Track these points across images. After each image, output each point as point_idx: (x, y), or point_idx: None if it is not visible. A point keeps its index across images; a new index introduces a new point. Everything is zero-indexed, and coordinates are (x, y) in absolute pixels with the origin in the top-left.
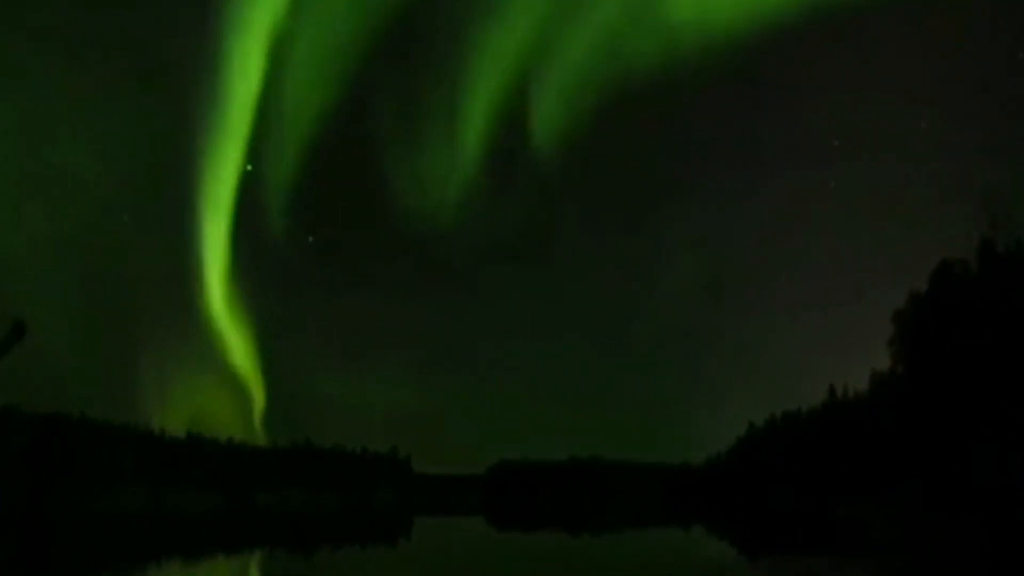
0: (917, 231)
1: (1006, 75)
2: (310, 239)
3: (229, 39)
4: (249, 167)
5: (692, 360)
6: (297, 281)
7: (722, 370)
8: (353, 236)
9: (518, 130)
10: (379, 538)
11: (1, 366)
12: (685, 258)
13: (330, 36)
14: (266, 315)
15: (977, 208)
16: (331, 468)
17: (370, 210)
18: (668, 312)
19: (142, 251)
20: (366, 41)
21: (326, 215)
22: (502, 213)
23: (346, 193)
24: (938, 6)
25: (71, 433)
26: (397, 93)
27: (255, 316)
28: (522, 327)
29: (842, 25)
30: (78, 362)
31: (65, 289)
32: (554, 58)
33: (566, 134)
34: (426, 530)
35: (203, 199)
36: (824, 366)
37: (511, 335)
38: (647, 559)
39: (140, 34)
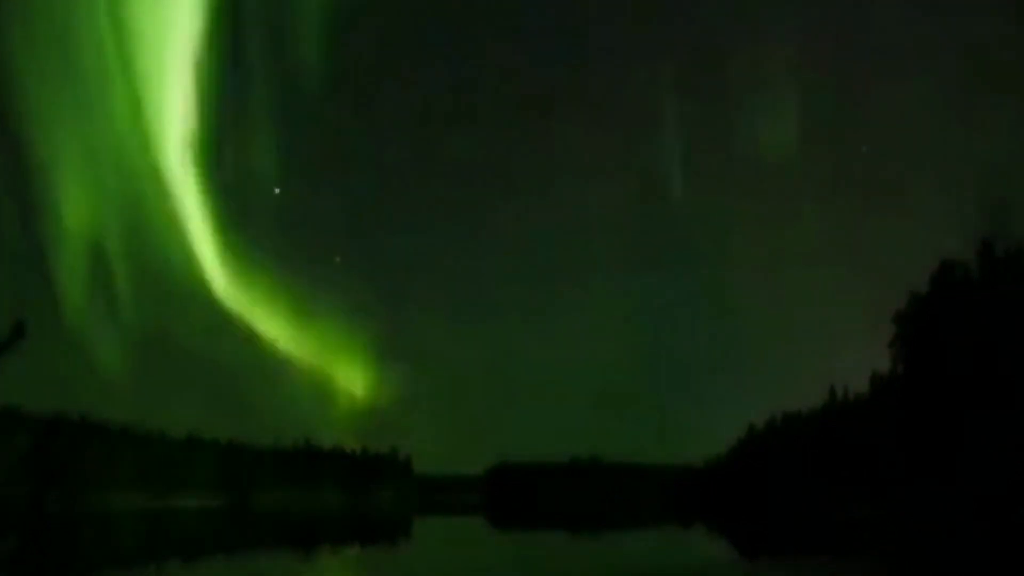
0: (917, 231)
1: (1007, 74)
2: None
3: None
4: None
5: (692, 360)
6: None
7: (722, 370)
8: None
9: None
10: (379, 538)
11: (1, 366)
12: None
13: None
14: None
15: (977, 208)
16: (331, 468)
17: None
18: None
19: None
20: None
21: None
22: None
23: None
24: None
25: (71, 433)
26: None
27: None
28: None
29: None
30: None
31: None
32: None
33: None
34: (426, 530)
35: None
36: (824, 366)
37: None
38: (647, 559)
39: None
